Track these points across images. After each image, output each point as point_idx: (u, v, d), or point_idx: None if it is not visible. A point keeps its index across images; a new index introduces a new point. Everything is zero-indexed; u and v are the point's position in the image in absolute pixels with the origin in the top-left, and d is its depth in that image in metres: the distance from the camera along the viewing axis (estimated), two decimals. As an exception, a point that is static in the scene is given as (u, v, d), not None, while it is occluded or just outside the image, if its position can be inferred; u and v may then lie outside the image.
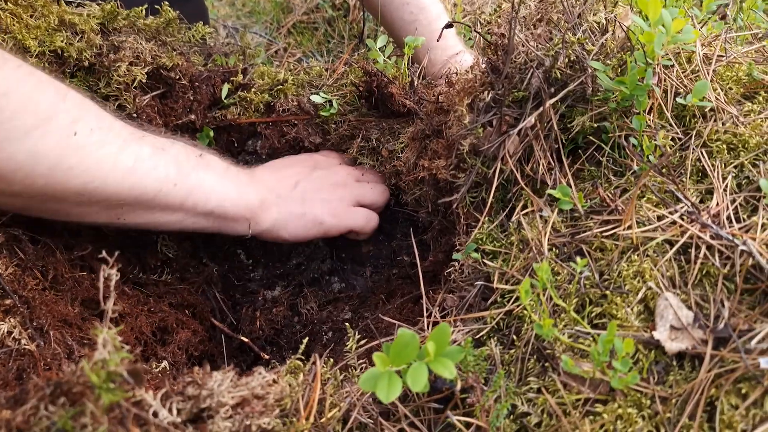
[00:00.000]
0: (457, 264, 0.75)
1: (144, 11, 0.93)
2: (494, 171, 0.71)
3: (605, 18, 0.72)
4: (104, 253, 0.49)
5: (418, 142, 0.84)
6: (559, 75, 0.68)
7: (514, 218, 0.72)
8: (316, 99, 0.93)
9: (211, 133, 0.98)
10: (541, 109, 0.66)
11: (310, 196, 0.91)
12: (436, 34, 0.83)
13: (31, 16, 0.82)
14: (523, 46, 0.66)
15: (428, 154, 0.80)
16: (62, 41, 0.83)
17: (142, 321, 0.80)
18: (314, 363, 0.57)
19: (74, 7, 0.87)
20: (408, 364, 0.52)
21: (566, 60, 0.68)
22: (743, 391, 0.52)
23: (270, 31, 1.45)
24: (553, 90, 0.68)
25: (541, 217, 0.70)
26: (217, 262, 0.93)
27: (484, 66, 0.69)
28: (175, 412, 0.44)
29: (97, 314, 0.78)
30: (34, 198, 0.69)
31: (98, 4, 0.90)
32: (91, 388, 0.43)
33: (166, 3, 0.95)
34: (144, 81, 0.88)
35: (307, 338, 0.65)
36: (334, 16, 1.43)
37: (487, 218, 0.74)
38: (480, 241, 0.72)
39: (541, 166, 0.67)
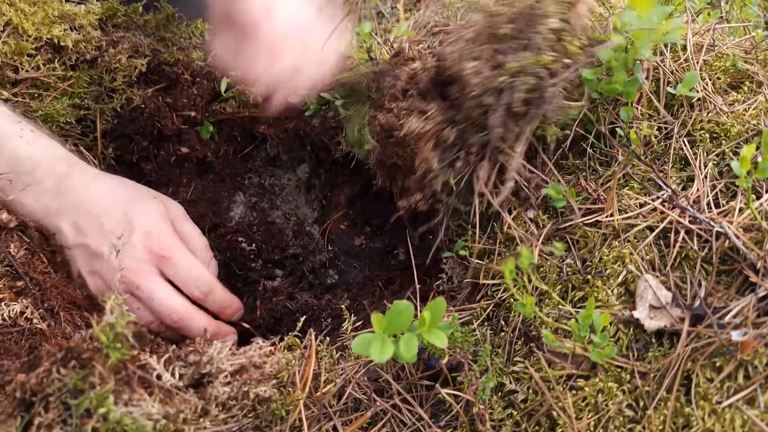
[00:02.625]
0: (445, 263, 0.77)
1: (142, 8, 0.96)
2: (474, 207, 0.72)
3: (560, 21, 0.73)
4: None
5: (386, 170, 0.85)
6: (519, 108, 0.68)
7: (499, 223, 0.74)
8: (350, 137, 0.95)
9: (211, 128, 1.01)
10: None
11: (86, 253, 0.77)
12: None
13: (31, 7, 0.85)
14: (477, 75, 0.67)
15: (399, 187, 0.83)
16: (59, 31, 0.85)
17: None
18: (310, 337, 0.60)
19: (75, 5, 0.90)
20: (401, 332, 0.55)
21: (525, 89, 0.68)
22: (718, 364, 0.55)
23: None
24: (517, 128, 0.69)
25: (529, 218, 0.72)
26: (219, 251, 0.96)
27: (434, 106, 0.71)
28: (177, 375, 0.47)
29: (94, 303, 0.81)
30: None
31: (98, 1, 0.93)
32: (99, 351, 0.46)
33: (166, 3, 0.98)
34: (145, 72, 0.91)
35: (305, 316, 0.68)
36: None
37: (474, 220, 0.76)
38: (467, 241, 0.75)
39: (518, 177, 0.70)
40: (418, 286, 0.74)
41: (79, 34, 0.87)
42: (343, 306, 0.72)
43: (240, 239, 0.96)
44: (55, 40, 0.85)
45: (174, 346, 0.50)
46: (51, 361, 0.46)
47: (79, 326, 0.72)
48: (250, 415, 0.53)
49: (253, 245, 0.97)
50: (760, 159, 0.60)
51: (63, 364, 0.46)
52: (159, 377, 0.46)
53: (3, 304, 0.69)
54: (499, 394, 0.61)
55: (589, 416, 0.56)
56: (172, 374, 0.47)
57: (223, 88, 0.99)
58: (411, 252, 0.83)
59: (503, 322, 0.66)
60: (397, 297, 0.86)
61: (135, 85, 0.92)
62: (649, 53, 0.67)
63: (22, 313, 0.69)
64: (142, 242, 0.77)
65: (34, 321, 0.69)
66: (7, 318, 0.67)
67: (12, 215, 0.73)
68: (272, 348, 0.54)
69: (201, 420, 0.47)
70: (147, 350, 0.47)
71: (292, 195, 1.05)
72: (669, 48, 0.79)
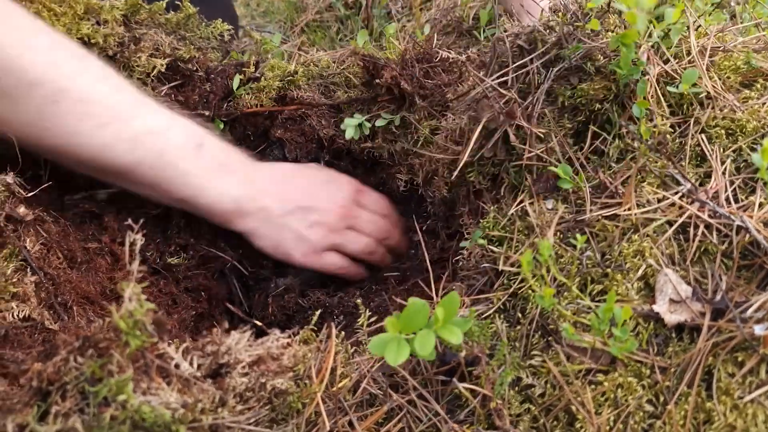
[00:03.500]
0: (465, 252, 0.77)
1: (165, 6, 0.96)
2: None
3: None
4: (130, 221, 0.51)
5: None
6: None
7: (517, 208, 0.74)
8: (349, 132, 0.95)
9: (222, 125, 1.00)
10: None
11: (292, 225, 0.92)
12: None
13: (59, 6, 0.85)
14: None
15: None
16: (88, 29, 0.86)
17: (155, 304, 0.82)
18: (328, 329, 0.60)
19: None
20: (417, 331, 0.54)
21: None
22: (740, 359, 0.54)
23: (284, 30, 1.49)
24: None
25: (548, 209, 0.72)
26: (233, 248, 0.96)
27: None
28: (195, 365, 0.47)
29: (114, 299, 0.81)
30: (19, 139, 0.74)
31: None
32: (116, 341, 0.46)
33: (188, 3, 0.98)
34: (163, 71, 0.92)
35: (320, 310, 0.68)
36: (347, 14, 1.46)
37: (493, 207, 0.76)
38: (486, 228, 0.75)
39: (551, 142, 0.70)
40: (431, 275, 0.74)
41: (105, 28, 0.87)
42: (358, 301, 0.72)
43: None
44: (85, 38, 0.85)
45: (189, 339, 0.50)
46: (68, 350, 0.46)
47: (92, 321, 0.72)
48: (266, 407, 0.52)
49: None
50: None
51: (80, 352, 0.46)
52: (177, 366, 0.46)
53: (16, 298, 0.68)
54: (516, 388, 0.60)
55: (609, 411, 0.55)
56: (190, 364, 0.47)
57: (235, 85, 0.99)
58: (423, 244, 0.82)
59: (520, 314, 0.65)
60: (410, 291, 0.86)
61: (149, 81, 0.92)
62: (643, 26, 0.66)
63: (35, 307, 0.69)
64: (341, 190, 0.96)
65: (47, 315, 0.69)
66: (19, 312, 0.67)
67: (30, 210, 0.73)
68: (289, 340, 0.54)
69: (219, 410, 0.47)
70: (165, 339, 0.46)
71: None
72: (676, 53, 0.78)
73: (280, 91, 0.99)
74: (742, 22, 1.02)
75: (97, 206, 0.86)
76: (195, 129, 0.85)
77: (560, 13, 0.74)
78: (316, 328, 0.62)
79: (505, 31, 0.76)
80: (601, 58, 0.74)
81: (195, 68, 0.96)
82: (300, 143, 0.99)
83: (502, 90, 0.69)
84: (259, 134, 1.02)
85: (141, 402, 0.43)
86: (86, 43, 0.88)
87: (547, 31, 0.72)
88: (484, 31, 0.93)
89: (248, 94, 0.99)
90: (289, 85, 0.99)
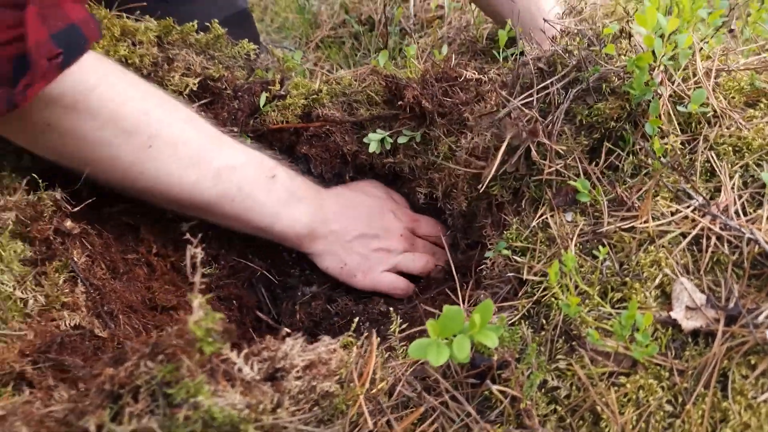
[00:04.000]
0: (488, 262, 0.81)
1: (193, 27, 1.01)
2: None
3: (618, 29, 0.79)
4: (187, 235, 0.56)
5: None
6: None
7: (539, 220, 0.78)
8: (373, 146, 1.00)
9: (249, 141, 1.05)
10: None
11: (358, 249, 1.00)
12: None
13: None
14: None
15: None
16: (125, 50, 0.90)
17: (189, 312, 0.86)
18: (367, 337, 0.64)
19: (134, 21, 0.95)
20: (453, 335, 0.58)
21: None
22: (752, 362, 0.59)
23: (299, 46, 1.53)
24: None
25: (567, 221, 0.77)
26: (261, 258, 1.00)
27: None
28: (255, 369, 0.51)
29: (150, 308, 0.85)
30: (111, 183, 0.82)
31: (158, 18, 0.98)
32: (184, 347, 0.50)
33: (216, 21, 1.02)
34: (194, 89, 0.96)
35: (357, 317, 0.72)
36: (360, 30, 1.51)
37: (515, 219, 0.81)
38: (510, 240, 0.79)
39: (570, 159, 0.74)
40: (457, 285, 0.78)
41: (140, 49, 0.92)
42: (390, 309, 0.76)
43: (280, 247, 1.00)
44: (123, 59, 0.89)
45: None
46: (139, 356, 0.50)
47: (137, 329, 0.76)
48: (314, 409, 0.56)
49: (293, 254, 1.01)
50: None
51: (150, 358, 0.50)
52: (240, 370, 0.50)
53: (66, 308, 0.73)
54: (543, 390, 0.65)
55: (631, 411, 0.60)
56: (251, 368, 0.51)
57: (262, 102, 1.04)
58: (448, 253, 0.87)
59: (544, 320, 0.69)
60: (433, 300, 0.90)
61: (180, 100, 0.96)
62: (664, 58, 0.71)
63: (84, 316, 0.73)
64: (398, 218, 1.03)
65: (96, 323, 0.73)
66: (70, 321, 0.71)
67: (75, 223, 0.77)
68: (337, 346, 0.58)
69: (277, 411, 0.51)
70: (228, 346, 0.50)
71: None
72: (682, 74, 0.83)
73: (305, 109, 1.03)
74: (742, 40, 1.07)
75: (134, 219, 0.90)
76: (267, 161, 0.93)
77: (578, 38, 0.78)
78: (354, 335, 0.67)
79: (525, 54, 0.81)
80: (616, 79, 0.78)
81: (224, 86, 1.00)
82: (325, 159, 1.04)
83: (525, 110, 0.74)
84: (284, 149, 1.06)
85: (211, 403, 0.47)
86: (124, 63, 0.92)
87: (567, 54, 0.77)
88: (503, 51, 0.98)
89: (274, 111, 1.04)
90: (313, 103, 1.03)
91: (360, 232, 1.00)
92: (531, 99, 0.76)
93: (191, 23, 1.02)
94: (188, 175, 0.82)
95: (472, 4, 1.26)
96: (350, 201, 1.02)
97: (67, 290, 0.72)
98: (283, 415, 0.51)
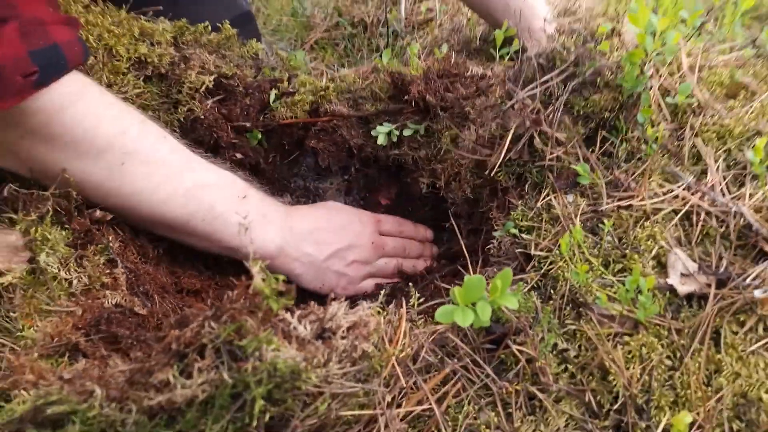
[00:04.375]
0: (495, 241, 0.88)
1: (206, 29, 1.06)
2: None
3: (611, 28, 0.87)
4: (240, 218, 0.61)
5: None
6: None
7: (543, 202, 0.85)
8: (381, 139, 1.06)
9: (260, 135, 1.10)
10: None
11: (334, 268, 1.03)
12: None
13: (118, 28, 0.94)
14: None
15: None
16: (145, 49, 0.95)
17: (214, 295, 0.92)
18: (398, 304, 0.70)
19: (151, 22, 1.00)
20: (474, 302, 0.65)
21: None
22: (741, 319, 0.66)
23: (294, 47, 1.59)
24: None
25: (568, 201, 0.84)
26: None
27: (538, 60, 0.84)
28: (308, 328, 0.56)
29: (177, 291, 0.90)
30: (93, 200, 0.83)
31: (169, 20, 1.03)
32: (243, 309, 0.55)
33: (227, 22, 1.08)
34: (210, 87, 1.01)
35: (386, 289, 0.78)
36: (353, 32, 1.57)
37: (520, 202, 0.87)
38: (516, 220, 0.86)
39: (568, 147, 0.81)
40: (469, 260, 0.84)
41: (159, 48, 0.97)
42: (410, 284, 0.82)
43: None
44: (142, 57, 0.94)
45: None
46: (203, 318, 0.55)
47: (171, 308, 0.81)
48: (355, 369, 0.62)
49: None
50: None
51: (214, 319, 0.55)
52: (295, 329, 0.56)
53: (106, 287, 0.77)
54: (553, 352, 0.71)
55: (636, 366, 0.67)
56: (304, 327, 0.56)
57: (272, 99, 1.09)
58: (459, 235, 0.93)
59: (552, 291, 0.76)
60: (443, 279, 0.97)
61: (197, 96, 1.01)
62: (654, 53, 0.79)
63: (125, 295, 0.77)
64: (364, 223, 1.08)
65: (136, 302, 0.78)
66: (111, 299, 0.76)
67: (105, 213, 0.82)
68: (374, 309, 0.64)
69: (327, 365, 0.57)
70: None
71: (334, 197, 1.15)
72: (667, 68, 0.91)
73: (313, 105, 1.09)
74: (718, 39, 1.16)
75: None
76: (239, 182, 0.94)
77: (574, 36, 0.86)
78: (382, 305, 0.73)
79: (525, 51, 0.88)
80: (609, 74, 0.86)
81: (236, 84, 1.06)
82: (332, 152, 1.09)
83: (530, 101, 0.81)
84: (293, 143, 1.11)
85: (273, 356, 0.53)
86: (143, 62, 0.97)
87: (565, 51, 0.84)
88: (498, 49, 1.05)
89: (283, 107, 1.09)
90: (321, 99, 1.09)
91: (334, 249, 1.03)
92: (534, 91, 0.83)
93: (203, 24, 1.07)
94: (159, 193, 0.84)
95: (465, 6, 1.33)
96: (318, 219, 1.05)
97: (107, 271, 0.77)
98: (333, 369, 0.57)
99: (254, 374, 0.52)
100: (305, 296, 1.02)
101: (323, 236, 1.03)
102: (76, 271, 0.75)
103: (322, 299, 1.02)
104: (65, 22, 0.74)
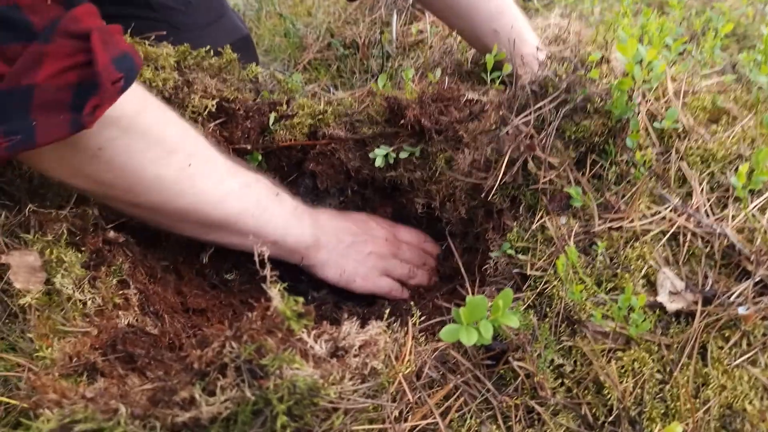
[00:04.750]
0: (492, 262, 0.92)
1: (208, 53, 1.10)
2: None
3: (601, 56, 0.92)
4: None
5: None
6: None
7: (537, 224, 0.89)
8: (378, 161, 1.10)
9: (260, 157, 1.13)
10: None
11: (353, 256, 1.10)
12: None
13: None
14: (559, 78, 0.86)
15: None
16: (150, 73, 0.98)
17: (220, 314, 0.94)
18: (402, 324, 0.73)
19: (155, 47, 1.03)
20: (477, 321, 0.68)
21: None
22: (726, 335, 0.70)
23: (287, 68, 1.62)
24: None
25: (561, 224, 0.88)
26: (273, 266, 1.08)
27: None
28: (323, 347, 0.60)
29: (185, 310, 0.93)
30: (149, 210, 0.87)
31: (171, 44, 1.06)
32: (263, 329, 0.58)
33: (228, 46, 1.11)
34: (212, 111, 1.04)
35: (389, 308, 0.81)
36: (345, 54, 1.61)
37: (515, 224, 0.91)
38: (512, 241, 0.89)
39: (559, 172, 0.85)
40: (468, 283, 0.88)
41: (163, 73, 1.00)
42: (411, 303, 0.86)
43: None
44: (147, 81, 0.97)
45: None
46: (224, 338, 0.58)
47: (181, 328, 0.83)
48: (364, 384, 0.65)
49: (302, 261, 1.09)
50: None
51: (235, 339, 0.58)
52: (312, 348, 0.59)
53: (118, 308, 0.80)
54: (551, 367, 0.75)
55: (629, 380, 0.71)
56: (320, 346, 0.60)
57: (271, 121, 1.12)
58: (456, 254, 0.97)
59: (547, 309, 0.80)
60: (442, 298, 1.00)
61: (200, 120, 1.04)
62: (642, 81, 0.84)
63: (137, 315, 0.80)
64: (380, 225, 1.15)
65: (147, 322, 0.80)
66: (124, 320, 0.78)
67: (118, 234, 0.85)
68: (383, 328, 0.67)
69: (342, 383, 0.60)
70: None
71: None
72: (653, 94, 0.96)
73: (311, 128, 1.13)
74: (699, 64, 1.21)
75: (159, 230, 0.97)
76: (270, 182, 1.01)
77: (565, 64, 0.90)
78: (386, 325, 0.76)
79: (518, 78, 0.92)
80: (599, 100, 0.90)
81: (237, 107, 1.09)
82: (330, 174, 1.13)
83: (524, 126, 0.85)
84: (292, 165, 1.15)
85: (293, 374, 0.56)
86: (148, 85, 1.00)
87: (557, 78, 0.88)
88: (489, 73, 1.09)
89: (282, 129, 1.13)
90: (319, 122, 1.13)
91: (352, 240, 1.10)
92: (528, 118, 0.87)
93: (205, 48, 1.10)
94: (219, 191, 0.90)
95: (454, 32, 1.38)
96: (336, 216, 1.12)
97: (120, 292, 0.79)
98: (347, 386, 0.60)
99: (276, 391, 0.55)
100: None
101: (343, 229, 1.10)
102: (90, 292, 0.78)
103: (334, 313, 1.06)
104: (119, 32, 0.78)
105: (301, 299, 0.56)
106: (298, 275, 1.11)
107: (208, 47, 1.10)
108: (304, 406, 0.57)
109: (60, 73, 0.69)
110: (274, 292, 0.57)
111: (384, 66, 1.51)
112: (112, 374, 0.69)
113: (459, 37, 1.42)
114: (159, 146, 0.82)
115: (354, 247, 1.09)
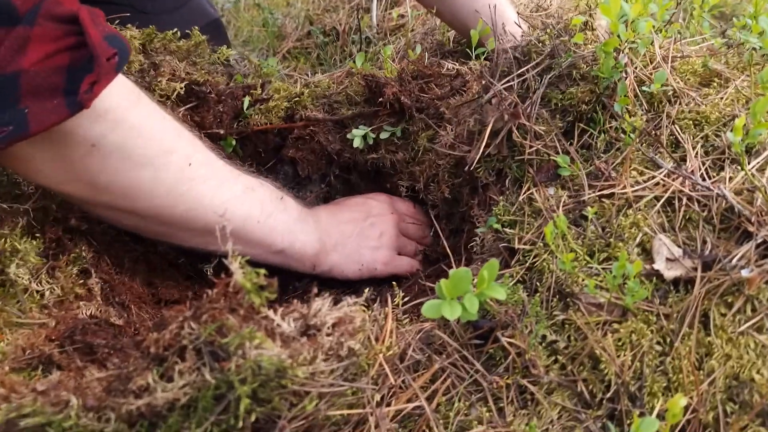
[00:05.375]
0: (478, 238, 0.87)
1: (175, 35, 1.05)
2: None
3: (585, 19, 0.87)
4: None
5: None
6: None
7: (524, 196, 0.84)
8: (356, 142, 1.05)
9: (233, 142, 1.08)
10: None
11: (364, 244, 1.04)
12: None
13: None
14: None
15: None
16: (114, 58, 0.93)
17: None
18: (384, 301, 0.68)
19: (120, 29, 0.98)
20: (461, 295, 0.63)
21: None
22: (729, 300, 0.66)
23: (266, 57, 1.57)
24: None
25: (550, 195, 0.83)
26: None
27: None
28: (292, 325, 0.55)
29: (155, 302, 0.88)
30: (147, 218, 0.79)
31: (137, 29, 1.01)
32: (225, 308, 0.53)
33: (196, 28, 1.06)
34: (180, 94, 0.99)
35: (369, 288, 0.76)
36: (325, 41, 1.56)
37: (501, 198, 0.87)
38: (498, 215, 0.85)
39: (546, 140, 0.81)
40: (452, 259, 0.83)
41: (128, 55, 0.95)
42: (393, 283, 0.81)
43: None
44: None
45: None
46: (182, 318, 0.53)
47: (149, 318, 0.78)
48: (341, 366, 0.60)
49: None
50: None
51: (194, 319, 0.53)
52: (278, 326, 0.54)
53: (80, 298, 0.75)
54: (543, 344, 0.70)
55: (627, 353, 0.66)
56: (288, 324, 0.55)
57: (245, 105, 1.08)
58: (441, 235, 0.92)
59: (537, 284, 0.75)
60: (428, 278, 0.95)
61: (168, 104, 0.99)
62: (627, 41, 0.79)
63: (99, 305, 0.75)
64: (377, 199, 1.08)
65: (111, 312, 0.75)
66: (86, 310, 0.73)
67: (81, 222, 0.80)
68: (359, 304, 0.62)
69: (312, 364, 0.55)
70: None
71: (313, 203, 1.13)
72: (641, 60, 0.91)
73: (288, 111, 1.08)
74: (689, 34, 1.17)
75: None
76: (272, 185, 0.94)
77: (549, 29, 0.86)
78: (366, 304, 0.71)
79: (502, 44, 0.87)
80: (584, 66, 0.86)
81: (208, 90, 1.04)
82: (311, 161, 1.08)
83: (508, 94, 0.80)
84: (269, 150, 1.10)
85: (257, 354, 0.51)
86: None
87: (540, 44, 0.84)
88: (474, 49, 1.04)
89: (257, 114, 1.08)
90: (296, 105, 1.08)
91: (357, 229, 1.04)
92: (511, 83, 0.83)
93: (172, 31, 1.05)
94: (220, 195, 0.82)
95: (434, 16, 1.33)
96: (334, 210, 1.06)
97: (81, 282, 0.74)
98: (320, 367, 0.55)
99: (238, 373, 0.50)
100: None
101: (345, 218, 1.04)
102: (48, 282, 0.73)
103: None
104: (103, 17, 0.71)
105: (263, 271, 0.51)
106: (293, 278, 1.06)
107: (175, 30, 1.05)
108: (271, 388, 0.52)
109: (48, 57, 0.64)
110: (235, 265, 0.52)
111: (364, 50, 1.46)
112: (70, 366, 0.64)
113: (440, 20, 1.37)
114: (155, 144, 0.75)
115: (363, 235, 1.03)
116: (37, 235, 0.74)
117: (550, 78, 0.84)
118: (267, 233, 0.89)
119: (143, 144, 0.74)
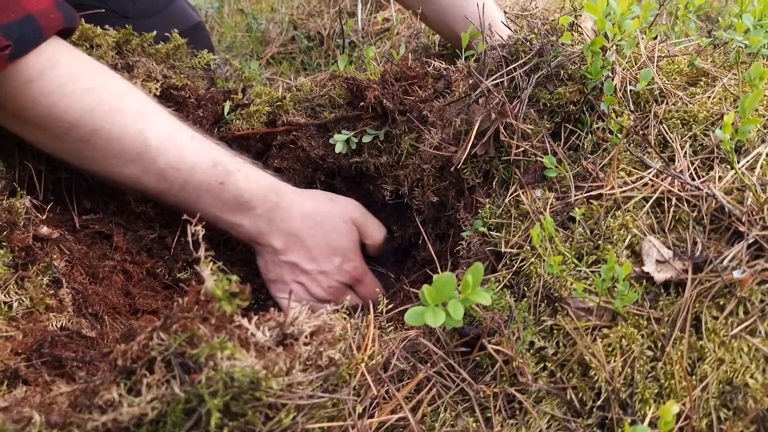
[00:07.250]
0: (464, 243, 0.85)
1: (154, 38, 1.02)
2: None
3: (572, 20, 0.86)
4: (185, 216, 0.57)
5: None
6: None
7: (510, 198, 0.82)
8: (339, 147, 1.02)
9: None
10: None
11: (323, 282, 0.96)
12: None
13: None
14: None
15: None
16: (84, 50, 0.91)
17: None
18: (365, 310, 0.66)
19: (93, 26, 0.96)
20: (445, 301, 0.61)
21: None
22: (721, 303, 0.64)
23: (250, 62, 1.55)
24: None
25: (537, 197, 0.81)
26: (232, 264, 1.01)
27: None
28: (267, 334, 0.52)
29: (132, 312, 0.85)
30: (86, 142, 0.80)
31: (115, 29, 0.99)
32: (196, 317, 0.51)
33: (176, 31, 1.04)
34: (158, 95, 0.97)
35: (349, 296, 0.74)
36: (310, 46, 1.54)
37: (488, 200, 0.84)
38: (484, 218, 0.82)
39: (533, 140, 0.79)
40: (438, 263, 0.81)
41: (98, 51, 0.92)
42: (377, 289, 0.78)
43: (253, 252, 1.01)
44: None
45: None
46: (150, 329, 0.51)
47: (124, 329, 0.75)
48: (320, 376, 0.58)
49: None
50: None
51: (163, 330, 0.51)
52: (253, 335, 0.51)
53: (50, 310, 0.72)
54: (531, 351, 0.68)
55: (617, 359, 0.64)
56: (263, 333, 0.52)
57: (226, 110, 1.05)
58: (427, 240, 0.90)
59: (525, 288, 0.73)
60: (411, 285, 0.93)
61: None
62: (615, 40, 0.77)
63: (71, 317, 0.72)
64: (343, 268, 0.97)
65: (83, 324, 0.72)
66: (57, 322, 0.70)
67: (54, 229, 0.77)
68: (339, 312, 0.59)
69: (289, 375, 0.52)
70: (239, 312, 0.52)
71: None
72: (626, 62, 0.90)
73: (270, 116, 1.05)
74: (674, 35, 1.15)
75: (107, 228, 0.89)
76: (221, 166, 0.88)
77: (536, 29, 0.84)
78: (348, 312, 0.68)
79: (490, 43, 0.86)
80: (572, 66, 0.84)
81: (187, 95, 1.02)
82: (297, 170, 1.06)
83: (495, 92, 0.78)
84: (252, 156, 1.07)
85: (229, 365, 0.48)
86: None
87: (528, 43, 0.82)
88: (464, 51, 1.02)
89: (239, 119, 1.06)
90: (278, 109, 1.06)
91: (335, 269, 0.97)
92: (499, 81, 0.81)
93: (150, 34, 1.03)
94: (130, 170, 0.83)
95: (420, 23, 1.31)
96: (304, 217, 0.96)
97: (51, 292, 0.71)
98: (297, 377, 0.52)
99: (208, 385, 0.47)
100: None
101: (326, 246, 0.97)
102: (16, 293, 0.70)
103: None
104: None
105: (235, 277, 0.49)
106: (254, 274, 1.03)
107: (154, 32, 1.03)
108: (245, 401, 0.50)
109: None
110: (207, 272, 0.49)
111: (348, 54, 1.45)
112: (37, 381, 0.61)
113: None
114: (52, 121, 0.77)
115: (329, 278, 0.96)
116: (4, 243, 0.71)
117: (538, 78, 0.82)
118: (188, 205, 0.88)
119: (38, 117, 0.77)
